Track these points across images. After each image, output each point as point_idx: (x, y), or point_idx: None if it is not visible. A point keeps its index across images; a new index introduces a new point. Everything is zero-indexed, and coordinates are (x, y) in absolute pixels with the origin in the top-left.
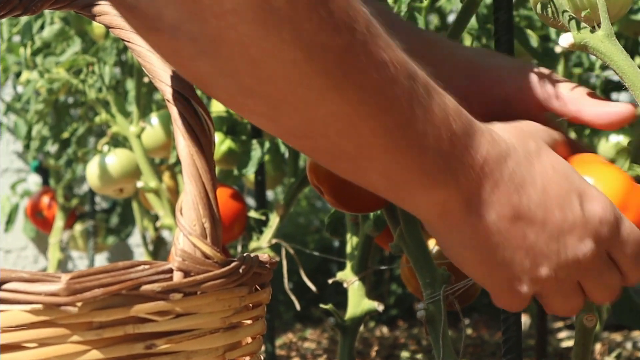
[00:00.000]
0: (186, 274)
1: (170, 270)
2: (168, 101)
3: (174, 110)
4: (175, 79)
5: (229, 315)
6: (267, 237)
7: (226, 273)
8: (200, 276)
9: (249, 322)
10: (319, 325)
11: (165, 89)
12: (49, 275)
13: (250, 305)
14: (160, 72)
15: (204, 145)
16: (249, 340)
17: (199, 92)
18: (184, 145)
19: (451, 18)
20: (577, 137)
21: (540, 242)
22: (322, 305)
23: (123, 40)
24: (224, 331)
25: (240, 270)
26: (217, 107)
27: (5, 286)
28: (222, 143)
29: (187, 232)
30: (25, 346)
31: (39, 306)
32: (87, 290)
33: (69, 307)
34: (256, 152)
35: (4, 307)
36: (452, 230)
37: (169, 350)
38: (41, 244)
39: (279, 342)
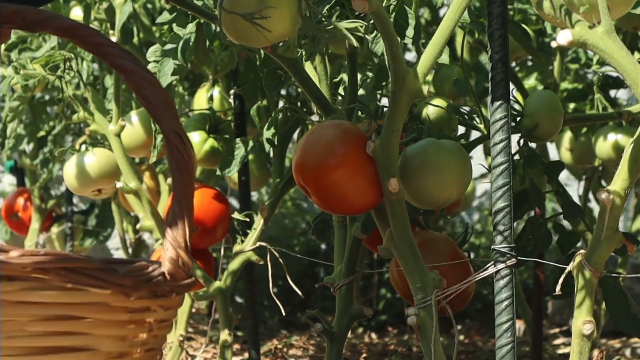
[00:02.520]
0: (172, 277)
1: (163, 274)
2: (167, 139)
3: (171, 148)
4: (169, 120)
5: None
6: (251, 239)
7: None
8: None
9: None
10: (305, 332)
11: (162, 128)
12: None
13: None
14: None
15: (189, 178)
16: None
17: None
18: (176, 179)
19: (443, 12)
20: (573, 136)
21: None
22: (308, 311)
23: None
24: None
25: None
26: (199, 105)
27: None
28: (204, 142)
29: (177, 245)
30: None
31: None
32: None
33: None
34: (240, 151)
35: None
36: None
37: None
38: (17, 247)
39: (263, 348)
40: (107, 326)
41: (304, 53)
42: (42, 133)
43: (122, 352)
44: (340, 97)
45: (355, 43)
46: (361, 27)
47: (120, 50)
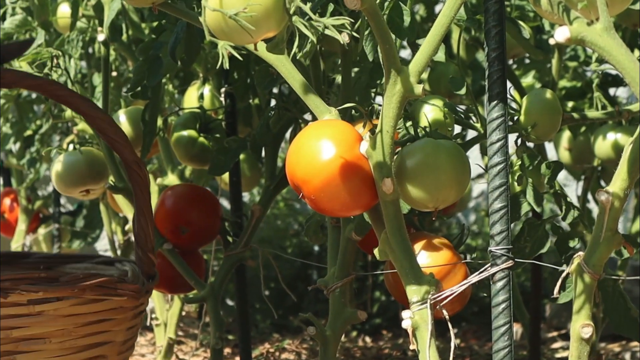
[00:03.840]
0: (150, 277)
1: (147, 275)
2: (129, 167)
3: (132, 174)
4: (129, 153)
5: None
6: (242, 241)
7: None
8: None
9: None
10: (298, 335)
11: (124, 158)
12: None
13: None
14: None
15: (148, 196)
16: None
17: None
18: (138, 197)
19: (438, 8)
20: (572, 135)
21: None
22: (301, 314)
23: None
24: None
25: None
26: (189, 103)
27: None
28: (195, 141)
29: (147, 249)
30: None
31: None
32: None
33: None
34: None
35: None
36: None
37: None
38: (3, 248)
39: (255, 352)
40: (121, 323)
41: (295, 51)
42: (28, 132)
43: (127, 339)
44: (334, 96)
45: (342, 40)
46: (349, 24)
47: (83, 99)
